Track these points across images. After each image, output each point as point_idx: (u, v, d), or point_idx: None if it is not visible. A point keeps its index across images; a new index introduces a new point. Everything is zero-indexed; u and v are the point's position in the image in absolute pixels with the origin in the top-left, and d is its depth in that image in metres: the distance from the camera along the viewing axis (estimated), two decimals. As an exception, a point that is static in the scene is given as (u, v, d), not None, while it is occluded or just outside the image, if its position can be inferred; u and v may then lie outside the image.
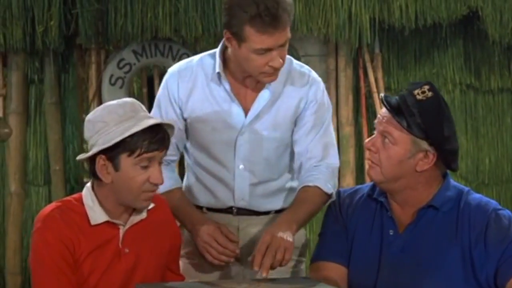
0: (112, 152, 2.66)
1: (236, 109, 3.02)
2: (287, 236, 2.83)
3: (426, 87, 2.74)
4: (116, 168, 2.67)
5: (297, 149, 3.10)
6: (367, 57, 5.74)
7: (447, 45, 5.93)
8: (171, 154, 3.06)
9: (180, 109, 3.05)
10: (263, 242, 2.81)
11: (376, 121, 2.81)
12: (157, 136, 2.67)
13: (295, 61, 3.13)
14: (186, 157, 3.16)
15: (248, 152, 3.04)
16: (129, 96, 5.73)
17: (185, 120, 3.07)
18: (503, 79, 5.97)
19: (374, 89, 5.71)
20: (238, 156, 3.04)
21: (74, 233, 2.68)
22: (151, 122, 2.67)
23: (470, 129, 5.98)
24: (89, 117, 2.72)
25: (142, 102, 5.83)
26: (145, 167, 2.68)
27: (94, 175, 2.73)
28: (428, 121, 2.70)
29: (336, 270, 2.84)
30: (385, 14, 5.49)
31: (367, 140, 2.81)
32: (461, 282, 2.71)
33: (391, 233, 2.79)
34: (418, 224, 2.77)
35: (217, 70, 3.00)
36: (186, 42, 5.65)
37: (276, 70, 2.91)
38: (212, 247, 2.95)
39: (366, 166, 2.88)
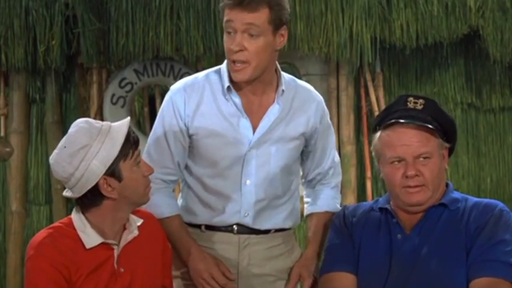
0: (111, 167, 2.66)
1: (245, 124, 3.02)
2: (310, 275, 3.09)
3: (411, 98, 2.86)
4: (120, 178, 2.68)
5: (306, 165, 3.19)
6: (368, 76, 5.75)
7: (448, 64, 5.94)
8: (171, 174, 3.07)
9: (186, 125, 3.03)
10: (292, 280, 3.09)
11: (398, 153, 2.79)
12: (133, 130, 2.72)
13: (298, 80, 3.16)
14: (185, 176, 3.13)
15: (256, 168, 3.04)
16: (131, 116, 5.74)
17: (190, 137, 3.05)
18: (504, 98, 5.97)
19: (375, 108, 5.71)
20: (246, 172, 3.03)
21: (68, 259, 2.66)
22: (125, 120, 2.71)
23: (471, 148, 5.98)
24: (59, 156, 2.67)
25: (144, 122, 5.89)
26: (137, 164, 2.71)
27: (88, 204, 2.72)
28: (443, 121, 2.83)
29: (346, 279, 2.87)
30: (386, 33, 5.50)
31: (406, 172, 2.79)
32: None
33: (399, 237, 2.82)
34: (425, 224, 2.82)
35: (227, 84, 3.00)
36: (187, 61, 5.66)
37: (233, 56, 2.93)
38: (210, 285, 2.97)
39: (404, 193, 2.89)
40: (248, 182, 3.04)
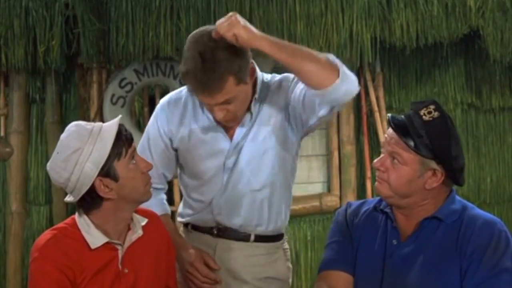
0: (105, 167, 2.65)
1: (221, 136, 3.05)
2: None
3: (432, 107, 2.77)
4: (116, 178, 2.67)
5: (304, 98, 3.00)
6: (368, 76, 5.76)
7: (448, 64, 5.95)
8: (156, 183, 3.08)
9: (170, 139, 3.09)
10: None
11: (383, 140, 2.83)
12: (125, 127, 2.71)
13: (264, 75, 3.09)
14: (179, 179, 3.20)
15: (237, 175, 3.05)
16: (131, 116, 5.74)
17: (175, 150, 3.11)
18: (504, 98, 5.98)
19: (375, 108, 5.72)
20: (227, 179, 3.06)
21: (72, 260, 2.66)
22: (116, 119, 2.69)
23: (471, 148, 5.99)
24: (54, 163, 2.68)
25: (144, 122, 5.88)
26: (134, 163, 2.70)
27: (88, 206, 2.71)
28: (436, 142, 2.73)
29: (342, 279, 2.88)
30: (386, 33, 5.50)
31: (376, 160, 2.83)
32: None
33: (394, 243, 2.82)
34: (420, 235, 2.80)
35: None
36: (187, 62, 5.65)
37: (223, 121, 2.95)
38: (194, 277, 3.03)
39: (374, 183, 2.89)
40: (228, 187, 3.06)
